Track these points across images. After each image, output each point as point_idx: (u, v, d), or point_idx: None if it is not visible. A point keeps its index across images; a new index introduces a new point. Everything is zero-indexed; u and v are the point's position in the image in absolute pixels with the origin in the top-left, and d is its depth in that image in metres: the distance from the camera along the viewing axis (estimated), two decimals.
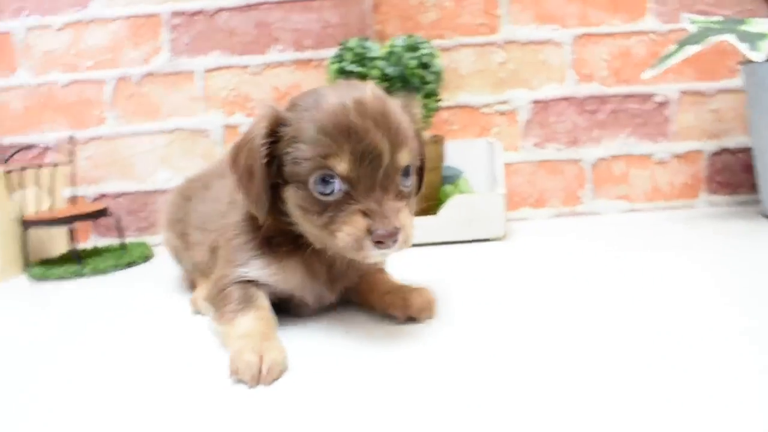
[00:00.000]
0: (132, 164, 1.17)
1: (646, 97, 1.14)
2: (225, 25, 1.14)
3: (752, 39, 0.90)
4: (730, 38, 0.92)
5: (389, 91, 0.92)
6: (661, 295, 0.66)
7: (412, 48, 0.96)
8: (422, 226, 0.97)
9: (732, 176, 1.16)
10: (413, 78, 0.95)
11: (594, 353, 0.52)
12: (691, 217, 1.08)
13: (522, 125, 1.14)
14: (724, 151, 1.15)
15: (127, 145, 1.17)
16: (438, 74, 0.98)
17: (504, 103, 1.14)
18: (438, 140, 1.00)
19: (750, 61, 1.01)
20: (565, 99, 1.14)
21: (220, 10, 1.14)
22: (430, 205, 1.02)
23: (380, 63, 0.95)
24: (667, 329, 0.56)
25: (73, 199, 1.12)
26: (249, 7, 1.13)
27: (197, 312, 0.71)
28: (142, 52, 1.16)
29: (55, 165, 1.10)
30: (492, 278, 0.78)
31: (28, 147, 1.09)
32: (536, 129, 1.14)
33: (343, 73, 0.97)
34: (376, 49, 0.98)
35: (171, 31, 1.15)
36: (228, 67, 1.15)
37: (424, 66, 0.96)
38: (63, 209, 1.06)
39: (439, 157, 1.01)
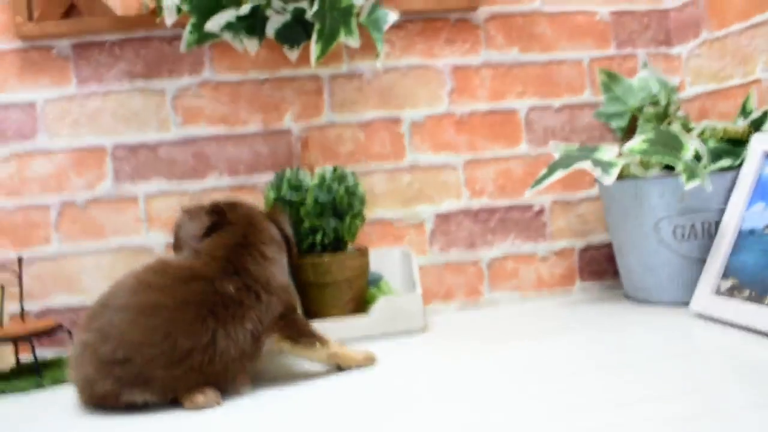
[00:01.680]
0: (78, 280, 1.26)
1: (526, 208, 1.39)
2: (166, 156, 1.29)
3: (604, 166, 1.17)
4: (587, 165, 1.18)
5: (322, 213, 1.11)
6: (554, 375, 0.86)
7: (340, 179, 1.15)
8: (355, 324, 1.14)
9: (598, 266, 1.42)
10: (342, 203, 1.14)
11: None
12: (570, 301, 1.33)
13: (429, 234, 1.35)
14: (590, 247, 1.42)
15: (73, 263, 1.26)
16: (362, 199, 1.18)
17: (413, 216, 1.35)
18: (363, 253, 1.18)
19: None
20: (462, 211, 1.37)
21: (162, 143, 1.29)
22: (359, 306, 1.19)
23: (314, 191, 1.14)
24: (559, 403, 0.75)
25: (19, 317, 1.20)
26: (188, 141, 1.29)
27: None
28: (86, 179, 1.27)
29: (2, 287, 1.18)
30: (414, 366, 0.96)
31: None
32: (440, 236, 1.36)
33: (280, 200, 1.14)
34: (308, 179, 1.16)
35: (114, 161, 1.28)
36: (169, 193, 1.29)
37: (351, 193, 1.15)
38: (17, 326, 1.13)
39: (365, 266, 1.19)
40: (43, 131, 1.27)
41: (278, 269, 0.97)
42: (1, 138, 1.26)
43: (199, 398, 0.86)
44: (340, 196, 1.13)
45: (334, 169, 1.17)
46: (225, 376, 0.88)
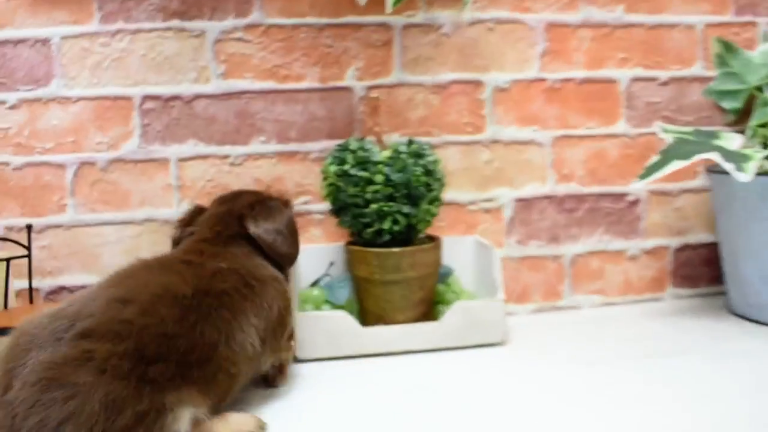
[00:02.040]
0: (98, 254, 1.07)
1: (619, 197, 1.18)
2: (204, 113, 1.08)
3: (737, 160, 0.95)
4: (716, 157, 0.97)
5: (393, 197, 0.90)
6: (651, 404, 0.67)
7: (417, 154, 0.94)
8: (424, 332, 0.95)
9: (693, 270, 1.22)
10: (418, 185, 0.93)
11: None
12: (661, 311, 1.13)
13: (506, 222, 1.15)
14: (687, 246, 1.21)
15: (91, 235, 1.07)
16: (441, 181, 0.97)
17: (490, 200, 1.14)
18: (437, 245, 0.98)
19: (717, 169, 1.07)
20: (547, 198, 1.16)
21: (199, 96, 1.08)
22: (429, 310, 1.00)
23: (384, 168, 0.93)
24: None
25: (27, 293, 1.01)
26: (230, 95, 1.08)
27: None
28: (109, 137, 1.07)
29: (8, 259, 0.99)
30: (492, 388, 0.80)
31: None
32: (519, 226, 1.16)
33: (344, 176, 0.94)
34: (376, 152, 0.95)
35: (143, 115, 1.07)
36: (205, 157, 1.08)
37: (429, 173, 0.95)
38: (25, 309, 0.95)
39: (439, 261, 0.99)
40: (59, 76, 1.06)
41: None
42: (9, 81, 1.06)
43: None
44: (416, 177, 0.93)
45: (409, 142, 0.96)
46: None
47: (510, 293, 1.15)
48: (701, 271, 1.22)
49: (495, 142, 1.14)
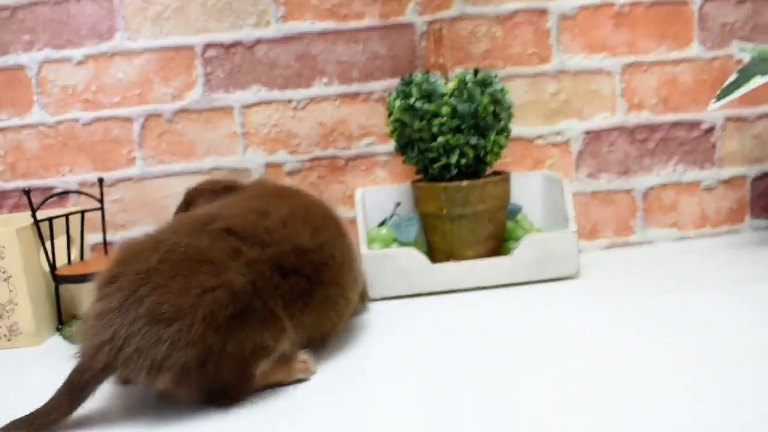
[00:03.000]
0: (166, 206, 1.09)
1: (694, 125, 1.13)
2: (265, 58, 1.08)
3: None
4: None
5: (460, 128, 0.89)
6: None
7: (484, 84, 0.92)
8: (495, 267, 0.94)
9: None
10: (486, 115, 0.91)
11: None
12: (739, 243, 1.09)
13: (575, 156, 1.12)
14: (766, 175, 1.16)
15: (160, 186, 1.09)
16: (509, 110, 0.95)
17: (557, 134, 1.11)
18: (505, 178, 0.96)
19: None
20: (617, 128, 1.12)
21: (260, 41, 1.07)
22: (498, 245, 0.98)
23: (450, 100, 0.91)
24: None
25: (102, 247, 1.04)
26: (291, 38, 1.07)
27: None
28: (173, 87, 1.08)
29: (83, 212, 1.02)
30: (574, 324, 0.76)
31: (62, 193, 1.00)
32: (589, 159, 1.12)
33: (410, 111, 0.93)
34: (442, 84, 0.93)
35: (205, 64, 1.08)
36: (269, 102, 1.08)
37: (496, 102, 0.92)
38: (100, 261, 0.98)
39: (507, 194, 0.97)
40: (122, 29, 1.07)
41: None
42: (75, 37, 1.07)
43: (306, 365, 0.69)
44: (483, 107, 0.90)
45: (475, 71, 0.93)
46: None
47: (580, 229, 1.13)
48: None
49: (562, 72, 1.10)
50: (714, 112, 1.13)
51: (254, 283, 0.63)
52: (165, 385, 0.60)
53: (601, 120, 1.11)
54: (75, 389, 0.59)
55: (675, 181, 1.14)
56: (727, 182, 1.15)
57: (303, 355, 0.69)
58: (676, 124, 1.13)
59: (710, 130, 1.14)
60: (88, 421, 0.62)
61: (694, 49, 1.12)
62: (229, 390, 0.62)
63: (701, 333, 0.70)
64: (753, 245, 1.07)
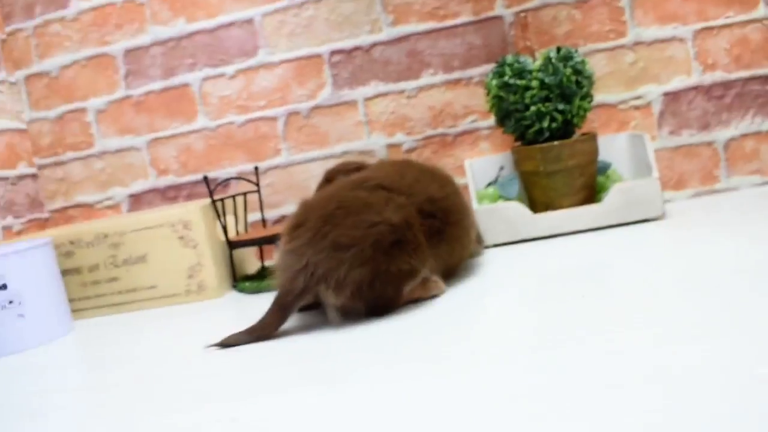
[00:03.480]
0: (307, 187, 1.33)
1: (766, 79, 1.24)
2: (380, 57, 1.29)
3: None
4: None
5: (549, 97, 1.06)
6: None
7: (566, 58, 1.09)
8: (589, 213, 1.10)
9: None
10: (570, 85, 1.08)
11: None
12: None
13: (657, 116, 1.26)
14: None
15: (302, 171, 1.33)
16: (590, 78, 1.11)
17: (638, 98, 1.26)
18: (592, 137, 1.12)
19: None
20: (693, 88, 1.25)
21: (375, 44, 1.29)
22: (590, 195, 1.14)
23: (538, 74, 1.09)
24: None
25: (261, 223, 1.29)
26: (400, 39, 1.29)
27: None
28: (307, 89, 1.32)
29: (245, 194, 1.27)
30: (661, 256, 0.89)
31: (228, 180, 1.26)
32: (670, 118, 1.26)
33: (505, 87, 1.11)
34: (530, 63, 1.11)
35: (332, 68, 1.31)
36: (386, 94, 1.30)
37: (578, 72, 1.09)
38: (260, 231, 1.22)
39: (595, 151, 1.13)
40: (264, 46, 1.32)
41: None
42: (226, 56, 1.34)
43: (438, 284, 0.88)
44: (567, 77, 1.08)
45: (558, 49, 1.11)
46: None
47: (666, 182, 1.26)
48: None
49: (638, 43, 1.25)
50: None
51: (406, 220, 0.83)
52: (345, 299, 0.80)
53: (677, 82, 1.25)
54: (281, 308, 0.81)
55: (754, 131, 1.26)
56: None
57: (436, 278, 0.89)
58: (749, 80, 1.25)
59: None
60: (288, 332, 0.84)
61: (761, 10, 1.24)
62: (388, 303, 0.83)
63: None
64: None
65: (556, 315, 0.71)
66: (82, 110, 1.40)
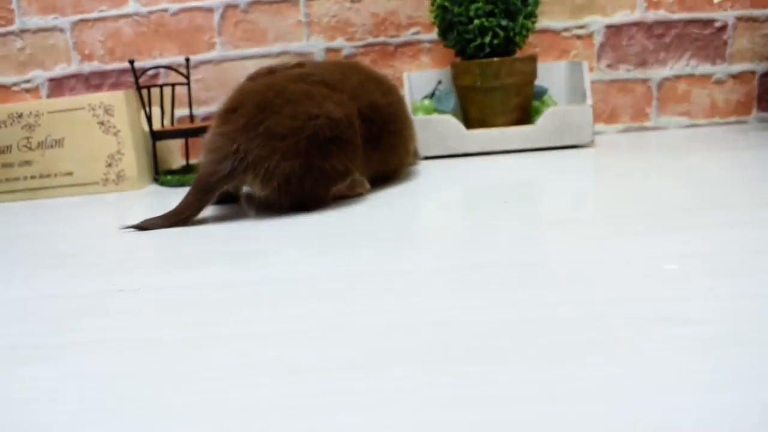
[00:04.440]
0: None
1: (707, 23, 1.26)
2: None
3: None
4: None
5: (493, 12, 1.04)
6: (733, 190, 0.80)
7: None
8: (521, 134, 1.10)
9: None
10: (515, 1, 1.06)
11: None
12: (745, 129, 1.22)
13: (597, 48, 1.26)
14: None
15: (236, 68, 1.28)
16: None
17: (581, 27, 1.26)
18: (532, 58, 1.12)
19: None
20: (636, 24, 1.26)
21: None
22: (525, 117, 1.15)
23: None
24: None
25: (188, 119, 1.24)
26: None
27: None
28: None
29: (174, 85, 1.21)
30: (586, 176, 0.91)
31: (155, 67, 1.20)
32: (609, 51, 1.27)
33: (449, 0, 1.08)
34: None
35: None
36: None
37: None
38: (188, 124, 1.18)
39: (534, 72, 1.13)
40: None
41: None
42: None
43: (364, 184, 0.87)
44: None
45: None
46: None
47: (599, 114, 1.28)
48: None
49: None
50: (726, 12, 1.25)
51: (347, 117, 0.80)
52: (272, 190, 0.77)
53: (621, 16, 1.25)
54: (203, 190, 0.77)
55: (688, 73, 1.28)
56: (737, 77, 1.28)
57: (362, 179, 0.87)
58: (690, 22, 1.26)
59: (722, 29, 1.27)
60: (207, 220, 0.82)
61: None
62: (314, 200, 0.81)
63: (705, 186, 0.86)
64: (760, 131, 1.20)
65: (476, 216, 0.71)
66: None
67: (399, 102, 0.92)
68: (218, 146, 0.77)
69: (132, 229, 0.78)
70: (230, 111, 0.80)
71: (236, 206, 0.87)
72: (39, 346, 0.43)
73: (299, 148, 0.75)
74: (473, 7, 1.07)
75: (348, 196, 0.85)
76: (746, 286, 0.43)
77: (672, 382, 0.31)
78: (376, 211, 0.76)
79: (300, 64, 1.00)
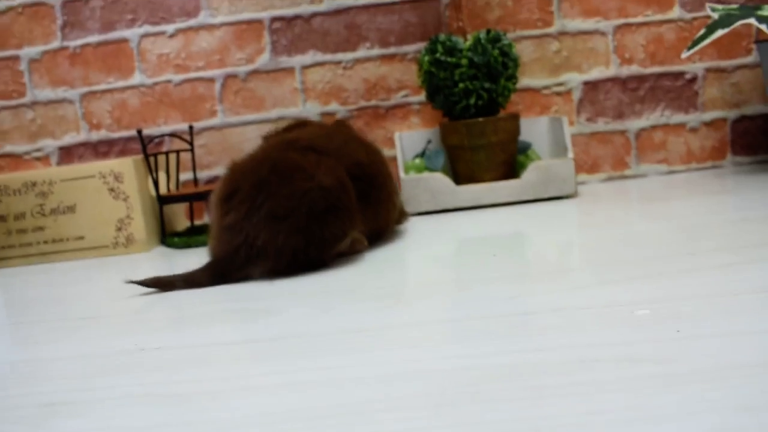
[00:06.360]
0: (241, 150, 1.35)
1: (677, 75, 1.35)
2: (319, 28, 1.33)
3: None
4: (752, 21, 1.13)
5: (476, 76, 1.12)
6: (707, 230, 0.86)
7: (494, 40, 1.16)
8: (508, 187, 1.17)
9: (753, 139, 1.37)
10: (496, 65, 1.15)
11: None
12: (721, 174, 1.29)
13: (576, 103, 1.35)
14: (745, 118, 1.36)
15: (237, 133, 1.36)
16: (515, 61, 1.18)
17: (560, 85, 1.34)
18: (515, 116, 1.20)
19: (764, 41, 1.22)
20: (611, 80, 1.34)
21: (315, 14, 1.33)
22: (510, 171, 1.22)
23: (468, 53, 1.15)
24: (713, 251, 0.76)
25: (192, 183, 1.31)
26: (340, 11, 1.33)
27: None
28: (246, 53, 1.34)
29: (178, 152, 1.29)
30: (570, 226, 0.98)
31: (162, 136, 1.27)
32: (588, 106, 1.35)
33: (436, 64, 1.17)
34: (461, 42, 1.18)
35: (272, 34, 1.34)
36: (323, 64, 1.34)
37: (505, 54, 1.16)
38: (192, 188, 1.24)
39: (517, 129, 1.21)
40: (206, 8, 1.34)
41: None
42: (167, 15, 1.35)
43: (362, 240, 0.93)
44: (494, 57, 1.14)
45: (488, 31, 1.17)
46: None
47: (582, 165, 1.35)
48: (760, 139, 1.37)
49: (563, 33, 1.33)
50: (695, 64, 1.34)
51: (339, 182, 0.86)
52: (284, 265, 0.83)
53: (597, 73, 1.34)
54: (220, 276, 0.83)
55: (664, 122, 1.36)
56: (710, 124, 1.36)
57: (360, 235, 0.93)
58: (662, 75, 1.35)
59: (693, 80, 1.35)
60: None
61: (676, 12, 1.34)
62: (320, 263, 0.86)
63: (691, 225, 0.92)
64: (734, 175, 1.27)
65: (467, 268, 0.77)
66: (15, 58, 1.39)
67: (381, 161, 0.99)
68: (227, 239, 0.83)
69: (147, 288, 0.84)
70: (229, 196, 0.85)
71: None
72: (73, 402, 0.48)
73: (300, 225, 0.82)
74: (457, 71, 1.15)
75: (347, 253, 0.91)
76: (709, 327, 0.49)
77: (643, 415, 0.37)
78: (373, 268, 0.83)
79: (301, 123, 1.07)
